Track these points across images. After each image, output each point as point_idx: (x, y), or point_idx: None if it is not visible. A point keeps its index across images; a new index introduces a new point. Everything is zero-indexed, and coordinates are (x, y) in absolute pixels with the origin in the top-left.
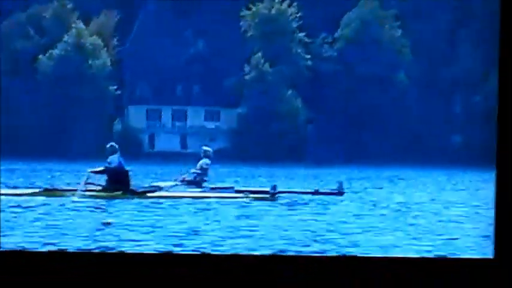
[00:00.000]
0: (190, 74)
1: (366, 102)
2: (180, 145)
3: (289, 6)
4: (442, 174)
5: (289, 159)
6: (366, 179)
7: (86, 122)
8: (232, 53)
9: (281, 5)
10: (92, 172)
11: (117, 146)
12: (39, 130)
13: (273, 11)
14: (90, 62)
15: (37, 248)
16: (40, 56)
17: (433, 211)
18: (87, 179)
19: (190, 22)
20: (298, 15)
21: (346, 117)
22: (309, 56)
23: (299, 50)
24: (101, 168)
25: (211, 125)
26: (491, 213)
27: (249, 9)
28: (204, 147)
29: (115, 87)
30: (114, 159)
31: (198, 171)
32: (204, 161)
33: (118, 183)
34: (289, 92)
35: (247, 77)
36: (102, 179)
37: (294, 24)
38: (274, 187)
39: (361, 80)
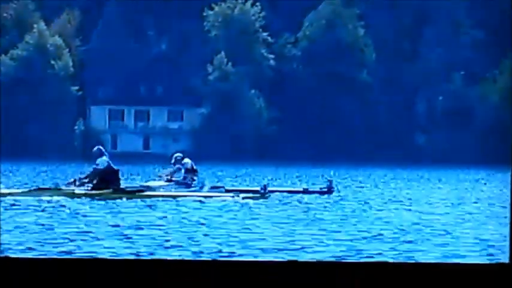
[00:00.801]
0: (153, 74)
1: (329, 102)
2: (143, 145)
3: (252, 6)
4: (407, 173)
5: (252, 159)
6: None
7: (48, 122)
8: (195, 53)
9: (244, 5)
10: (82, 179)
11: (103, 149)
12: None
13: (236, 11)
14: (52, 62)
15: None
16: (1, 56)
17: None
18: (79, 179)
19: (154, 22)
20: (261, 15)
21: (309, 117)
22: (272, 56)
23: (262, 50)
24: (89, 173)
25: (174, 125)
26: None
27: (212, 9)
28: (176, 154)
29: (77, 87)
30: (103, 162)
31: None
32: (186, 161)
33: (108, 183)
34: (252, 91)
35: (210, 77)
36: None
37: (257, 24)
38: (264, 186)
39: (324, 80)
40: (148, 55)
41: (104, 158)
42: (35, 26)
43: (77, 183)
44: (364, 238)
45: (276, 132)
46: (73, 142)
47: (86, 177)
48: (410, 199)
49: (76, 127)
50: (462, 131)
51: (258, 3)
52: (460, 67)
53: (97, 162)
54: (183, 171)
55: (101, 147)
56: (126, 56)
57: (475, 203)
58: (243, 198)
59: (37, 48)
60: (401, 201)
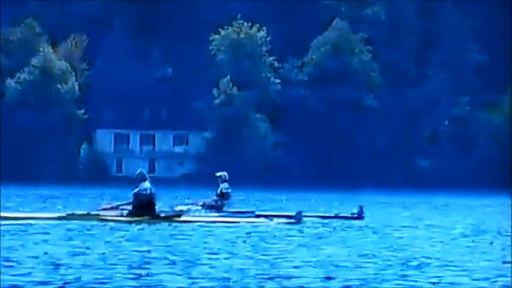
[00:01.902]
0: (158, 98)
1: (335, 126)
2: (148, 169)
3: (259, 30)
4: (412, 198)
5: (257, 183)
6: (339, 201)
7: (53, 145)
8: (200, 77)
9: (250, 29)
10: (121, 205)
11: (145, 172)
12: (5, 154)
13: (242, 35)
14: (57, 86)
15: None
16: (8, 80)
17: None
18: (119, 205)
19: (159, 45)
20: (267, 39)
21: (315, 141)
22: (278, 80)
23: (268, 74)
24: (130, 201)
25: (179, 149)
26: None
27: (219, 33)
28: (219, 173)
29: (83, 111)
30: (145, 186)
31: (218, 196)
32: (223, 186)
33: (144, 209)
34: (257, 115)
35: (215, 101)
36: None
37: (264, 49)
38: (299, 212)
39: (331, 104)
40: (153, 78)
41: (147, 183)
42: (41, 49)
43: (115, 208)
44: (403, 264)
45: (281, 157)
46: (78, 165)
47: (127, 203)
48: (430, 225)
49: (81, 150)
50: (467, 156)
51: (264, 28)
52: (466, 92)
53: (139, 187)
54: (214, 195)
55: (143, 171)
56: (131, 80)
57: (484, 232)
58: (278, 223)
59: (43, 71)
60: (425, 226)
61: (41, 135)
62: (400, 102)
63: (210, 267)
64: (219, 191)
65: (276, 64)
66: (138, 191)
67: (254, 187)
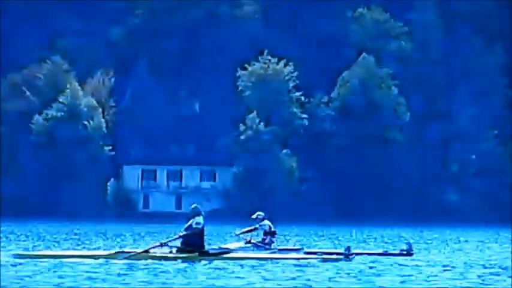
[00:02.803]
0: (185, 134)
1: (362, 161)
2: (176, 205)
3: (285, 65)
4: (443, 233)
5: (284, 218)
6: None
7: (80, 182)
8: (227, 112)
9: (277, 64)
10: (170, 241)
11: (200, 208)
12: (34, 191)
13: (269, 71)
14: (85, 122)
15: None
16: (35, 116)
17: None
18: (168, 241)
19: (185, 81)
20: (294, 74)
21: (342, 176)
22: (305, 115)
23: (295, 110)
24: (189, 232)
25: (206, 185)
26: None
27: (245, 69)
28: (257, 214)
29: (110, 147)
30: (200, 221)
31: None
32: (267, 223)
33: (193, 245)
34: (284, 151)
35: (242, 137)
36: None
37: (291, 84)
38: (348, 248)
39: (358, 139)
40: (180, 114)
41: (201, 218)
42: (68, 86)
43: (163, 245)
44: None
45: (308, 191)
46: (105, 202)
47: (177, 238)
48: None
49: (108, 187)
50: (495, 190)
51: (291, 63)
52: (493, 126)
53: (193, 222)
54: (262, 232)
55: (198, 206)
56: (158, 116)
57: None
58: (327, 260)
59: (70, 108)
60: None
61: (69, 172)
62: (427, 136)
63: None
64: (266, 228)
65: (303, 99)
66: (190, 225)
67: (282, 222)
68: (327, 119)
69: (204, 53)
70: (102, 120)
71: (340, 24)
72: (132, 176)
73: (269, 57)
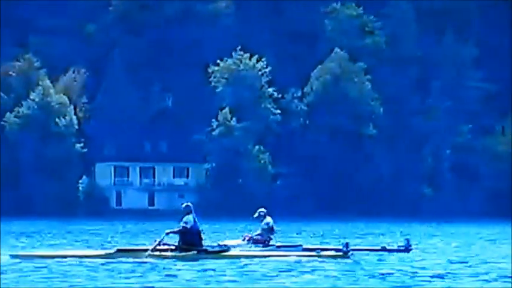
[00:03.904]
0: (157, 130)
1: (336, 156)
2: (148, 202)
3: (258, 61)
4: (417, 226)
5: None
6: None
7: (52, 179)
8: (200, 108)
9: (250, 60)
10: (168, 232)
11: (191, 206)
12: (5, 188)
13: (242, 67)
14: (56, 120)
15: None
16: (7, 114)
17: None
18: (161, 240)
19: (158, 78)
20: (267, 70)
21: (316, 171)
22: (278, 111)
23: (268, 105)
24: (178, 229)
25: (179, 181)
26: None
27: (218, 64)
28: (260, 210)
29: (82, 144)
30: (190, 219)
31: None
32: (268, 220)
33: (191, 243)
34: (257, 147)
35: (214, 133)
36: (175, 239)
37: (264, 79)
38: (346, 245)
39: (331, 134)
40: (153, 111)
41: (191, 216)
42: (40, 83)
43: (160, 244)
44: None
45: (281, 187)
46: (77, 199)
47: (174, 232)
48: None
49: (80, 184)
50: (470, 184)
51: (263, 59)
52: (468, 120)
53: (185, 220)
54: (260, 229)
55: (190, 204)
56: (131, 113)
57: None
58: (326, 256)
59: (41, 105)
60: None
61: (40, 169)
62: (401, 131)
63: None
64: (265, 225)
65: (276, 95)
66: (188, 226)
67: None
68: (301, 114)
69: (177, 49)
70: (74, 117)
71: (314, 20)
72: (104, 173)
73: (242, 53)
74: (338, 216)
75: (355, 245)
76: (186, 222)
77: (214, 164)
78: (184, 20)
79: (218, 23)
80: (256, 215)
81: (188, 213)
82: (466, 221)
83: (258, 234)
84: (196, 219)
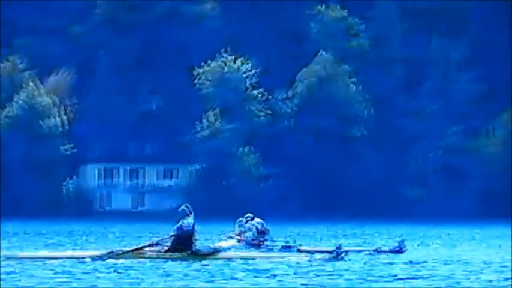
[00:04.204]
0: (145, 132)
1: (322, 158)
2: (136, 204)
3: (243, 63)
4: (404, 228)
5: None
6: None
7: (39, 181)
8: (186, 110)
9: (235, 62)
10: (162, 240)
11: (190, 208)
12: None
13: (227, 69)
14: (42, 121)
15: None
16: None
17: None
18: (157, 241)
19: (146, 79)
20: (252, 72)
21: (302, 173)
22: (263, 113)
23: (253, 107)
24: (173, 234)
25: (166, 182)
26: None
27: (203, 67)
28: (247, 215)
29: (68, 146)
30: (189, 222)
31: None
32: (260, 222)
33: (183, 245)
34: (244, 148)
35: (202, 134)
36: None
37: (249, 81)
38: (339, 246)
39: (317, 136)
40: (140, 112)
41: (191, 218)
42: (24, 85)
43: (155, 245)
44: None
45: (268, 189)
46: (64, 201)
47: (168, 238)
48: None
49: (66, 185)
50: (458, 186)
51: (249, 61)
52: (457, 121)
53: (183, 223)
54: (253, 231)
55: (188, 206)
56: (118, 114)
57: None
58: (319, 259)
59: (27, 107)
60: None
61: (27, 170)
62: (390, 132)
63: None
64: (258, 227)
65: (261, 97)
66: (180, 226)
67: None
68: (287, 115)
69: (164, 50)
70: (61, 118)
71: (299, 22)
72: (91, 174)
73: (227, 55)
74: (326, 217)
75: (345, 246)
76: (188, 224)
77: (201, 166)
78: (171, 21)
79: (204, 25)
80: (243, 220)
81: (187, 215)
82: (455, 222)
83: (252, 237)
84: (196, 222)
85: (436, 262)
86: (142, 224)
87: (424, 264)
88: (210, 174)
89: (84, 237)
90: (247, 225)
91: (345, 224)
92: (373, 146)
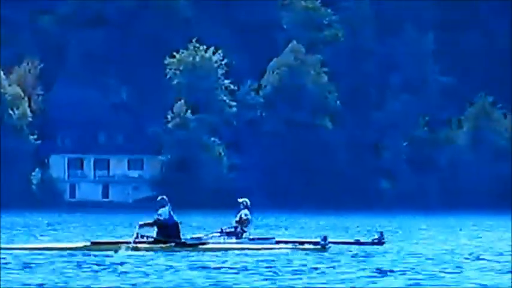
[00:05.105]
0: (113, 123)
1: (292, 148)
2: (102, 194)
3: (214, 53)
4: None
5: (213, 207)
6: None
7: (5, 171)
8: (155, 101)
9: (205, 52)
10: (141, 224)
11: (167, 199)
12: None
13: (197, 59)
14: (9, 112)
15: None
16: None
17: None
18: (138, 233)
19: (114, 69)
20: (223, 62)
21: (272, 163)
22: (234, 103)
23: (224, 97)
24: (151, 221)
25: (134, 173)
26: None
27: (173, 57)
28: (241, 199)
29: (35, 136)
30: (165, 212)
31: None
32: (244, 212)
33: (169, 236)
34: (212, 139)
35: (169, 125)
36: (152, 232)
37: (220, 71)
38: (325, 238)
39: (287, 127)
40: (108, 103)
41: (166, 209)
42: None
43: (138, 236)
44: None
45: (236, 179)
46: (31, 191)
47: (146, 224)
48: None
49: (35, 176)
50: (427, 176)
51: (220, 51)
52: (426, 113)
53: (159, 212)
54: (234, 221)
55: (165, 197)
56: (85, 105)
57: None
58: (303, 249)
59: None
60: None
61: None
62: (359, 123)
63: None
64: (238, 217)
65: (232, 87)
66: (162, 218)
67: (209, 210)
68: (257, 106)
69: (134, 40)
70: (28, 109)
71: (271, 12)
72: (58, 165)
73: (198, 45)
74: (294, 208)
75: (310, 238)
76: (160, 215)
77: (169, 156)
78: (141, 11)
79: (175, 14)
80: (240, 200)
81: (163, 206)
82: (424, 213)
83: (232, 226)
84: (171, 212)
85: (409, 255)
86: (112, 215)
87: (402, 254)
88: (178, 165)
89: (59, 228)
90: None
91: (315, 215)
92: (343, 136)
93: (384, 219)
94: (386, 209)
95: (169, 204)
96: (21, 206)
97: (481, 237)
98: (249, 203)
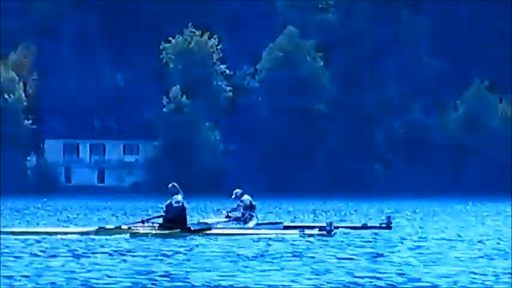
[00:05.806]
0: (108, 107)
1: (287, 133)
2: (98, 179)
3: (210, 38)
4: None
5: (208, 192)
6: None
7: (1, 156)
8: (151, 85)
9: (201, 37)
10: (151, 219)
11: (178, 186)
12: None
13: (193, 44)
14: (5, 96)
15: None
16: None
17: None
18: (147, 218)
19: (109, 55)
20: (219, 47)
21: (267, 148)
22: (229, 88)
23: (219, 82)
24: (161, 214)
25: (130, 158)
26: None
27: (169, 41)
28: (236, 190)
29: (31, 121)
30: (178, 199)
31: (243, 208)
32: (248, 198)
33: (175, 222)
34: (207, 124)
35: (165, 110)
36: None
37: (215, 57)
38: (330, 223)
39: (282, 111)
40: (103, 88)
41: (179, 196)
42: None
43: (145, 222)
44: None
45: (231, 164)
46: (26, 176)
47: (158, 216)
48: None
49: (30, 160)
50: (422, 161)
51: (215, 36)
52: (421, 97)
53: (172, 200)
54: (241, 207)
55: (175, 184)
56: (81, 89)
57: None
58: (309, 235)
59: None
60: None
61: None
62: (354, 107)
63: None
64: (246, 203)
65: (228, 72)
66: (170, 203)
67: (205, 195)
68: (252, 91)
69: (129, 25)
70: (23, 93)
71: None
72: (54, 150)
73: (193, 30)
74: (290, 193)
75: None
76: (177, 202)
77: (164, 141)
78: None
79: None
80: (233, 196)
81: (176, 194)
82: (418, 197)
83: (233, 210)
84: (184, 200)
85: (421, 237)
86: (108, 200)
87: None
88: (173, 150)
89: (59, 213)
90: (237, 202)
91: (311, 200)
92: (338, 121)
93: (380, 204)
94: (381, 193)
95: (181, 192)
96: (17, 191)
97: (483, 224)
98: (241, 192)
